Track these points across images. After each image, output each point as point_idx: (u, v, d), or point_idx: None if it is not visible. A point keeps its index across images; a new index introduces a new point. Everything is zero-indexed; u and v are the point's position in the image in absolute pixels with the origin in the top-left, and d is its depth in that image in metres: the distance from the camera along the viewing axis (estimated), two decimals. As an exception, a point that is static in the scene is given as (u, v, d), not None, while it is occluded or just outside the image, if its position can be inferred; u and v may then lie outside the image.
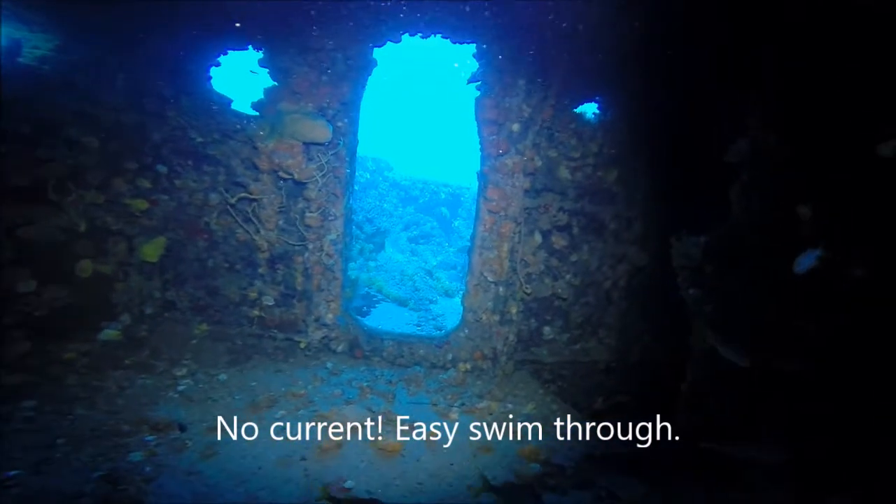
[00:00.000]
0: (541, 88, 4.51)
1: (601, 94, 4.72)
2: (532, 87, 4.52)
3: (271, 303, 4.90)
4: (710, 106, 3.42)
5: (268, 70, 4.54)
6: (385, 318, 7.37)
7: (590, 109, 4.86)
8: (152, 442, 3.19)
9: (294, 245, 4.87)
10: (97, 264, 4.30)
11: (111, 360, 4.13)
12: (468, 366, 5.08)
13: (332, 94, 4.58)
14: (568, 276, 5.02)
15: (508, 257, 4.81)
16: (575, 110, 4.73)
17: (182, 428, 3.39)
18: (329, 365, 5.01)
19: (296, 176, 4.57)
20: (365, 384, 4.75)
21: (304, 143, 4.54)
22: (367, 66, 4.71)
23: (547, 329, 5.22)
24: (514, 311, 4.96)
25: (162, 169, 4.55)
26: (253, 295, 4.85)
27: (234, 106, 4.63)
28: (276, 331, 4.95)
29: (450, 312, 7.91)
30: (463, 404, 4.55)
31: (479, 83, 4.79)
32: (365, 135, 5.30)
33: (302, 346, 5.00)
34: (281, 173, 4.59)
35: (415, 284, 9.06)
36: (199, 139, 4.53)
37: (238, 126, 4.54)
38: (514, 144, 4.62)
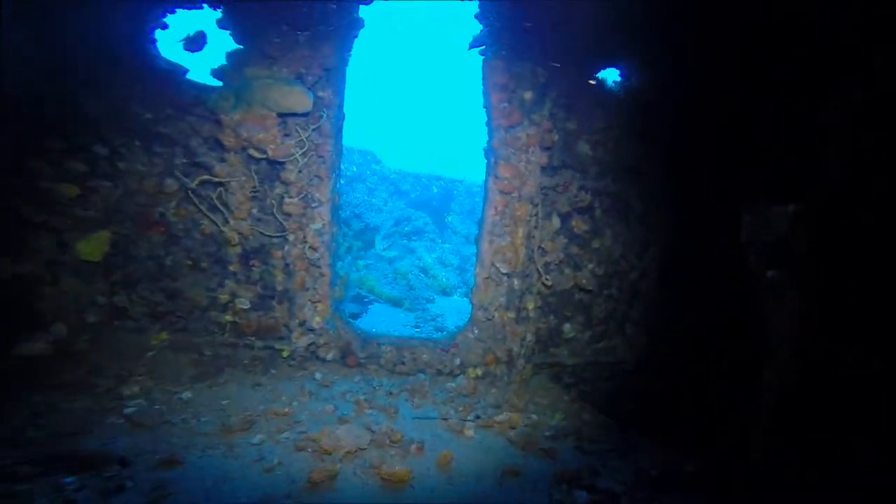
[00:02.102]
0: (558, 49, 3.90)
1: (627, 56, 4.13)
2: (547, 48, 3.91)
3: (247, 306, 4.17)
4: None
5: (230, 32, 3.83)
6: (379, 321, 6.68)
7: (612, 76, 4.27)
8: (71, 485, 2.41)
9: (272, 237, 4.15)
10: (14, 264, 3.48)
11: (32, 379, 3.33)
12: (479, 371, 4.42)
13: (311, 57, 3.89)
14: (591, 266, 4.41)
15: (524, 245, 4.18)
16: (597, 75, 4.13)
17: (123, 462, 2.63)
18: (318, 376, 4.30)
19: (270, 153, 3.86)
20: (362, 397, 4.06)
21: (280, 115, 3.83)
22: (353, 25, 4.04)
23: (567, 326, 4.60)
24: (531, 306, 4.32)
25: (101, 150, 3.75)
26: (224, 297, 4.11)
27: (190, 76, 3.89)
28: (253, 338, 4.22)
29: (449, 312, 7.25)
30: (478, 417, 3.89)
31: (483, 47, 4.16)
32: (350, 126, 4.62)
33: (285, 354, 4.28)
34: (252, 151, 3.87)
35: (409, 283, 8.38)
36: (148, 115, 3.77)
37: (196, 98, 3.80)
38: (528, 115, 4.00)
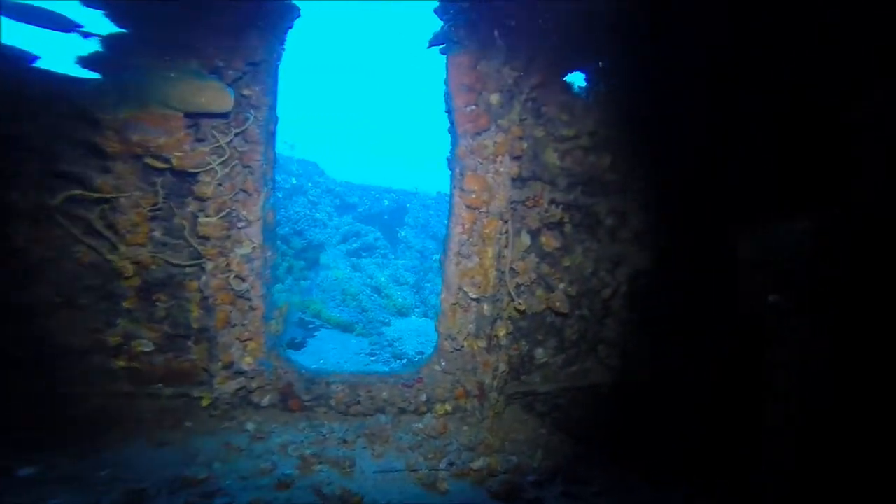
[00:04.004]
0: (526, 48, 3.57)
1: (599, 58, 3.88)
2: (515, 46, 3.56)
3: (149, 348, 3.39)
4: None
5: (104, 12, 3.11)
6: (327, 350, 5.96)
7: (578, 80, 4.01)
8: None
9: (183, 266, 3.40)
10: None
11: None
12: (449, 407, 3.93)
13: (232, 49, 3.27)
14: (563, 285, 4.08)
15: (494, 265, 3.76)
16: (565, 78, 3.85)
17: None
18: (250, 426, 3.60)
19: (175, 162, 3.16)
20: (308, 450, 3.42)
21: (189, 115, 3.16)
22: (286, 13, 3.46)
23: (539, 351, 4.23)
24: (502, 333, 3.90)
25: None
26: (115, 339, 3.30)
27: (42, 64, 3.11)
28: (160, 385, 3.43)
29: (408, 335, 6.68)
30: (452, 464, 3.39)
31: (445, 45, 3.74)
32: (288, 133, 4.01)
33: (205, 403, 3.54)
34: (150, 159, 3.15)
35: (361, 305, 7.70)
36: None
37: (56, 93, 3.02)
38: (496, 119, 3.62)
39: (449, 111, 3.69)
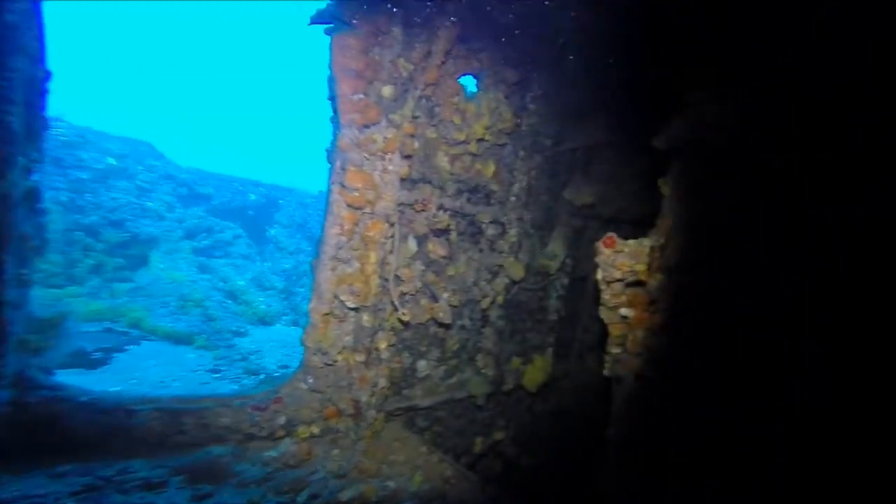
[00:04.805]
0: (424, 40, 3.35)
1: (487, 63, 3.85)
2: (413, 37, 3.32)
3: None
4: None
5: None
6: (146, 367, 4.85)
7: (471, 84, 3.94)
8: None
9: None
10: None
11: None
12: (316, 429, 3.45)
13: None
14: (446, 295, 3.94)
15: (377, 272, 3.43)
16: (459, 80, 3.73)
17: None
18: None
19: None
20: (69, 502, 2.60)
21: None
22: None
23: (422, 364, 4.03)
24: (383, 345, 3.58)
25: None
26: None
27: None
28: None
29: (270, 346, 5.89)
30: (315, 496, 2.95)
31: (332, 24, 3.31)
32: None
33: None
34: None
35: (206, 312, 6.55)
36: None
37: None
38: (387, 113, 3.31)
39: (332, 98, 3.26)
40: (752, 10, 2.16)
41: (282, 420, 3.39)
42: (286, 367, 5.29)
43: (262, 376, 5.02)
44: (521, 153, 4.27)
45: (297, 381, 3.48)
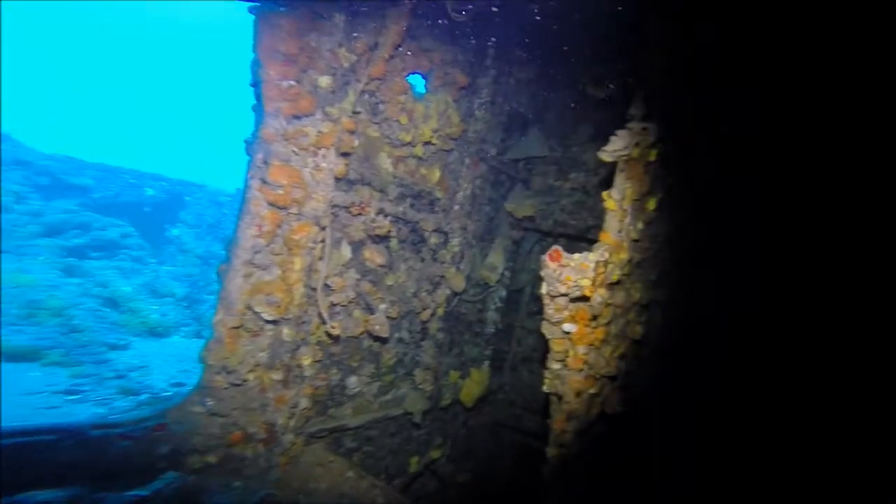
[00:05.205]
0: (370, 31, 3.09)
1: (438, 62, 3.67)
2: (356, 26, 3.05)
3: None
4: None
5: None
6: None
7: (420, 84, 3.74)
8: None
9: None
10: None
11: None
12: (216, 457, 2.98)
13: None
14: (384, 306, 3.65)
15: (303, 280, 3.07)
16: (407, 78, 3.51)
17: None
18: None
19: None
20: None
21: None
22: None
23: (353, 380, 3.69)
24: (307, 361, 3.21)
25: None
26: None
27: None
28: None
29: (161, 362, 5.17)
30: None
31: (258, 3, 2.95)
32: None
33: None
34: None
35: (69, 323, 5.61)
36: None
37: None
38: (323, 106, 3.00)
39: (256, 83, 2.89)
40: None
41: (164, 450, 2.87)
42: (181, 384, 4.65)
43: (143, 397, 4.34)
44: (467, 160, 4.12)
45: (190, 403, 3.00)
